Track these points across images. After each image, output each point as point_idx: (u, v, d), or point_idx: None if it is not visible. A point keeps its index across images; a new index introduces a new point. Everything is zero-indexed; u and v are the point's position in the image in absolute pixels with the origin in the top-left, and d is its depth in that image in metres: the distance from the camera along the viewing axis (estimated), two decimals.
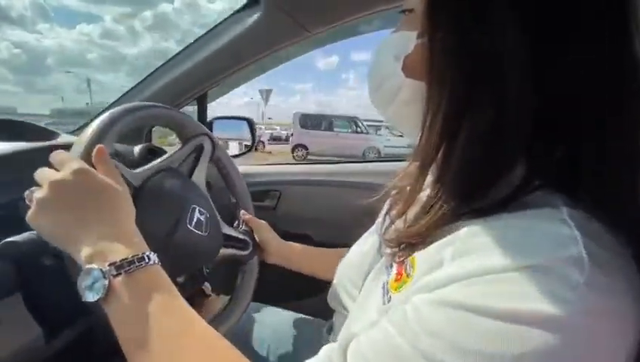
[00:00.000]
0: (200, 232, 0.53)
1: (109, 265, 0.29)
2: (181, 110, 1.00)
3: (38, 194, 0.33)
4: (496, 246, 0.23)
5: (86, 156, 0.37)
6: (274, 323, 0.68)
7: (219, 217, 0.60)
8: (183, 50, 0.82)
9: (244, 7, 0.72)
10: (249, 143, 1.19)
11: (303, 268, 0.66)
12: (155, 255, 0.32)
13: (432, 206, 0.29)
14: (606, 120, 0.26)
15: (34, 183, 0.35)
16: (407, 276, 0.29)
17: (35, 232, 0.39)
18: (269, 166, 1.13)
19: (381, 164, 1.05)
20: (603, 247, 0.22)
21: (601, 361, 0.21)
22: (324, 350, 0.30)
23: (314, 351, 0.31)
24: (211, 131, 1.05)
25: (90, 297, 0.29)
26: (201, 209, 0.54)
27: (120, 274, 0.29)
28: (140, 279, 0.30)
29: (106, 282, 0.28)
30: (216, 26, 0.77)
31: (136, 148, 0.83)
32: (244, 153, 1.17)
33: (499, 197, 0.26)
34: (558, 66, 0.25)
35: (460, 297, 0.22)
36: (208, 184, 0.84)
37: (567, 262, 0.20)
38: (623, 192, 0.25)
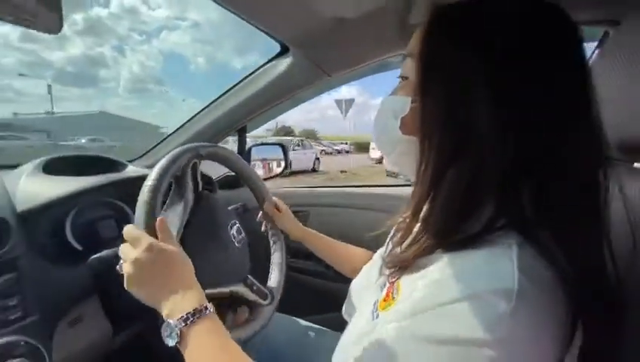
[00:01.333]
0: (241, 238, 0.63)
1: (178, 319, 0.38)
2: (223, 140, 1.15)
3: (125, 269, 0.42)
4: (449, 280, 0.29)
5: (149, 221, 0.45)
6: (290, 330, 0.76)
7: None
8: (225, 93, 0.96)
9: (277, 56, 0.84)
10: (282, 166, 1.32)
11: (317, 252, 0.77)
12: (211, 304, 0.41)
13: (419, 238, 0.35)
14: (563, 178, 0.31)
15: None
16: (393, 299, 0.36)
17: (113, 249, 0.51)
18: (298, 188, 1.23)
19: (405, 188, 1.09)
20: (536, 284, 0.27)
21: None
22: None
23: (324, 359, 0.38)
24: (250, 156, 1.19)
25: (171, 343, 0.38)
26: (233, 222, 0.64)
27: (186, 324, 0.38)
28: (200, 325, 0.39)
29: (178, 331, 0.38)
30: (253, 72, 0.90)
31: None
32: (278, 175, 1.29)
33: (471, 232, 0.31)
34: (525, 134, 0.31)
35: (417, 329, 0.29)
36: (244, 206, 0.95)
37: (497, 294, 0.26)
38: (572, 239, 0.30)
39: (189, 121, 1.08)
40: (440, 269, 0.31)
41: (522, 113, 0.31)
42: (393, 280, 0.38)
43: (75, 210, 0.66)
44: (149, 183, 0.48)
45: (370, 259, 0.73)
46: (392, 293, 0.36)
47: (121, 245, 0.45)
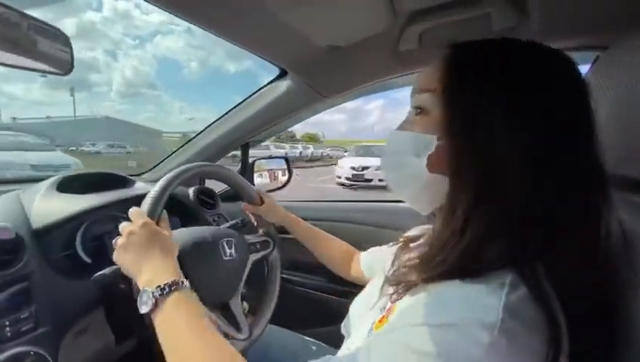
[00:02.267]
0: (232, 257, 0.66)
1: (156, 287, 0.42)
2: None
3: (120, 241, 0.49)
4: (439, 305, 0.31)
5: (151, 214, 0.53)
6: (284, 342, 0.79)
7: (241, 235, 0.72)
8: (228, 112, 1.01)
9: (276, 79, 0.89)
10: (286, 178, 1.36)
11: (298, 237, 0.81)
12: (188, 282, 0.45)
13: (432, 265, 0.36)
14: (571, 226, 0.33)
15: (118, 222, 0.52)
16: (387, 319, 0.38)
17: (117, 266, 0.55)
18: (297, 202, 1.26)
19: (399, 204, 1.11)
20: (520, 323, 0.28)
21: None
22: None
23: None
24: (252, 170, 1.23)
25: (144, 309, 0.42)
26: (228, 239, 0.67)
27: (162, 294, 0.42)
28: (175, 297, 0.42)
29: (153, 299, 0.42)
30: (254, 93, 0.94)
31: (191, 191, 1.02)
32: (282, 187, 1.33)
33: (476, 266, 0.33)
34: (541, 173, 0.32)
35: (401, 338, 0.31)
36: (243, 221, 0.99)
37: (481, 325, 0.28)
38: (571, 284, 0.32)
39: (193, 138, 1.13)
40: (434, 293, 0.33)
41: (537, 154, 0.32)
42: (393, 301, 0.39)
43: (85, 225, 0.70)
44: (160, 184, 0.56)
45: (351, 253, 0.78)
46: (388, 315, 0.38)
47: (123, 222, 0.51)
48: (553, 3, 0.55)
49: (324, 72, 0.79)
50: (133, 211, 0.52)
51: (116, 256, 0.49)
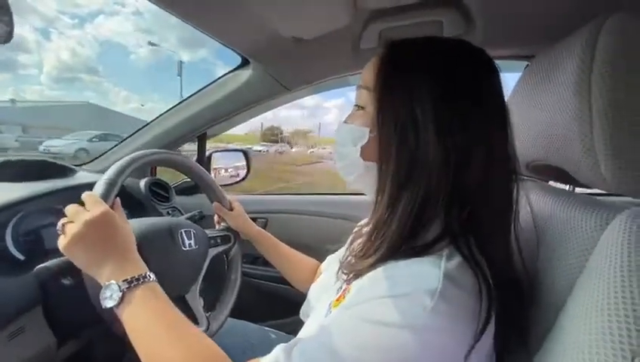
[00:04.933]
0: (192, 248, 0.64)
1: (123, 280, 0.40)
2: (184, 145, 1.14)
3: (72, 229, 0.43)
4: (389, 280, 0.35)
5: (105, 196, 0.49)
6: (242, 333, 0.79)
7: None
8: (184, 100, 0.96)
9: (237, 68, 0.87)
10: (244, 172, 1.33)
11: (265, 254, 0.78)
12: (153, 274, 0.43)
13: (376, 250, 0.39)
14: (488, 201, 0.37)
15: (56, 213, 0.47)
16: (344, 298, 0.40)
17: (62, 259, 0.50)
18: (258, 195, 1.25)
19: (360, 197, 1.16)
20: (457, 286, 0.32)
21: (437, 359, 0.31)
22: (275, 349, 0.37)
23: None
24: (209, 163, 1.19)
25: (109, 304, 0.40)
26: (187, 229, 0.65)
27: (129, 287, 0.40)
28: (143, 290, 0.41)
29: (120, 293, 0.40)
30: (214, 81, 0.91)
31: (142, 183, 0.96)
32: (239, 181, 1.30)
33: (418, 246, 0.37)
34: (461, 162, 0.37)
35: (356, 312, 0.34)
36: (201, 213, 0.95)
37: (424, 292, 0.31)
38: (493, 248, 0.37)
39: (144, 126, 1.06)
40: (384, 271, 0.36)
41: (459, 143, 0.36)
42: (348, 283, 0.42)
43: (17, 217, 0.63)
44: (118, 164, 0.52)
45: (315, 268, 0.78)
46: (345, 294, 0.41)
47: (70, 205, 0.46)
48: (493, 17, 0.62)
49: (288, 64, 0.80)
50: (87, 195, 0.47)
51: (66, 246, 0.43)
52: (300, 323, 0.62)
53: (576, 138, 0.36)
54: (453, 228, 0.37)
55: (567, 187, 0.54)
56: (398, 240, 0.37)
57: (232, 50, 0.79)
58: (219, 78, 0.91)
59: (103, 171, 1.03)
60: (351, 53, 0.75)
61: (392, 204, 0.38)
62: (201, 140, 1.12)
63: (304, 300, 0.65)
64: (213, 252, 0.72)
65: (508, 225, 0.39)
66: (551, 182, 0.56)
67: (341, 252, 0.71)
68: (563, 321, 0.34)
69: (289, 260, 0.79)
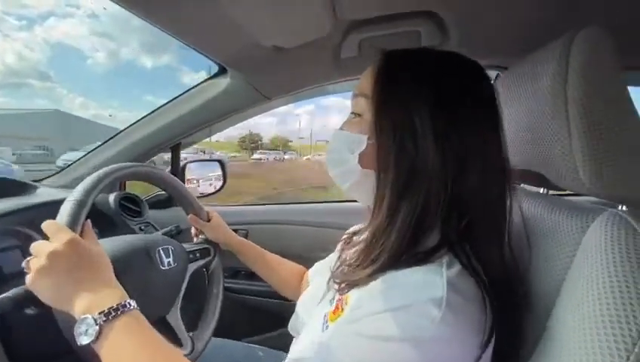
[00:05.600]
0: (171, 266, 0.60)
1: (99, 313, 0.36)
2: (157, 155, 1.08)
3: (36, 263, 0.39)
4: (391, 291, 0.34)
5: (72, 225, 0.44)
6: (228, 352, 0.75)
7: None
8: (157, 109, 0.92)
9: (214, 76, 0.84)
10: (220, 183, 1.29)
11: (249, 264, 0.76)
12: (134, 301, 0.40)
13: (374, 259, 0.38)
14: (483, 210, 0.38)
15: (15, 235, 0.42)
16: (342, 310, 0.39)
17: (22, 287, 0.45)
18: (238, 206, 1.22)
19: (341, 204, 1.16)
20: (460, 295, 0.32)
21: None
22: None
23: None
24: (183, 175, 1.14)
25: (85, 340, 0.36)
26: (165, 247, 0.61)
27: (108, 319, 0.36)
28: (123, 321, 0.37)
29: (97, 327, 0.36)
30: (189, 89, 0.88)
31: (111, 197, 0.90)
32: (215, 192, 1.26)
33: (418, 255, 0.36)
34: (459, 170, 0.37)
35: (360, 328, 0.33)
36: (177, 227, 0.91)
37: (429, 302, 0.31)
38: (488, 254, 0.38)
39: (114, 137, 1.00)
40: (384, 282, 0.36)
41: (456, 150, 0.37)
42: (343, 294, 0.41)
43: None
44: (87, 182, 0.48)
45: (301, 273, 0.76)
46: (342, 305, 0.40)
47: (35, 242, 0.42)
48: (466, 29, 0.65)
49: (267, 72, 0.78)
50: (48, 225, 0.43)
51: (33, 283, 0.39)
52: (288, 337, 0.60)
53: (556, 146, 0.38)
54: (451, 236, 0.37)
55: (541, 190, 0.57)
56: (398, 249, 0.37)
57: (210, 58, 0.77)
58: (195, 86, 0.88)
59: (66, 186, 0.95)
60: (331, 62, 0.75)
61: (392, 212, 0.38)
62: (175, 151, 1.07)
63: (289, 312, 0.63)
64: (192, 267, 0.68)
65: (502, 232, 0.40)
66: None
67: (329, 259, 0.70)
68: (553, 325, 0.35)
69: (275, 268, 0.76)
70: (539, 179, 0.48)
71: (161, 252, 0.60)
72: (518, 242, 0.45)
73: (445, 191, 0.37)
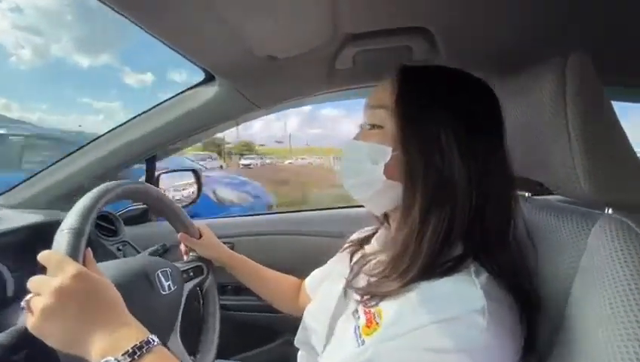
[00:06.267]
0: (171, 290, 0.56)
1: (123, 354, 0.33)
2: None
3: (40, 303, 0.34)
4: (434, 303, 0.35)
5: (74, 256, 0.39)
6: None
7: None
8: (132, 119, 0.85)
9: (201, 83, 0.80)
10: (195, 194, 1.22)
11: (243, 279, 0.73)
12: (155, 336, 0.36)
13: (405, 270, 0.39)
14: (500, 218, 0.41)
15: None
16: (377, 324, 0.39)
17: (13, 330, 0.39)
18: (223, 218, 1.17)
19: (328, 212, 1.16)
20: (496, 302, 0.34)
21: None
22: None
23: None
24: (158, 186, 1.07)
25: None
26: (164, 270, 0.57)
27: (133, 360, 0.33)
28: (150, 359, 0.34)
29: None
30: (173, 97, 0.83)
31: None
32: (190, 203, 1.19)
33: (446, 264, 0.38)
34: (482, 181, 0.40)
35: (413, 342, 0.34)
36: (164, 246, 0.85)
37: (474, 312, 0.33)
38: (503, 263, 0.40)
39: (75, 152, 0.90)
40: (421, 294, 0.37)
41: (479, 164, 0.40)
42: (370, 306, 0.41)
43: None
44: (82, 206, 0.44)
45: (297, 285, 0.76)
46: (375, 319, 0.40)
47: (33, 277, 0.37)
48: (456, 45, 0.70)
49: (259, 82, 0.76)
50: (49, 256, 0.38)
51: (36, 326, 0.34)
52: (278, 352, 0.59)
53: (558, 158, 0.42)
54: (474, 245, 0.39)
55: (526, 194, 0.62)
56: (429, 259, 0.38)
57: (197, 65, 0.73)
58: (178, 94, 0.83)
59: (22, 206, 0.84)
60: (325, 72, 0.76)
61: (422, 223, 0.39)
62: (151, 162, 1.00)
63: (279, 326, 0.62)
64: (187, 287, 0.64)
65: (509, 238, 0.43)
66: None
67: (327, 268, 0.70)
68: (567, 328, 0.38)
69: (270, 282, 0.75)
70: (524, 184, 0.53)
71: (161, 275, 0.56)
72: (523, 248, 0.48)
73: (470, 202, 0.39)
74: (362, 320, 0.41)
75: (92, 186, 0.49)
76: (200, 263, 0.69)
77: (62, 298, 0.34)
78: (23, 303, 0.35)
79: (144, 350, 0.34)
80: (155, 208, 0.65)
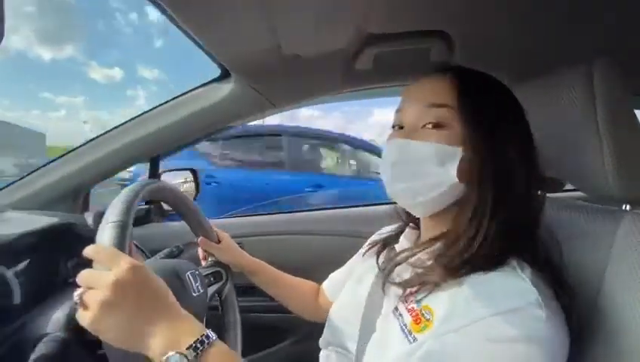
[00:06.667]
0: (200, 292, 0.55)
1: (187, 348, 0.32)
2: None
3: (97, 297, 0.33)
4: (488, 298, 0.36)
5: (121, 246, 0.38)
6: None
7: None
8: (135, 118, 0.82)
9: (215, 80, 0.78)
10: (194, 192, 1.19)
11: (262, 285, 0.73)
12: (211, 331, 0.36)
13: (463, 263, 0.40)
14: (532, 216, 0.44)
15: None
16: (427, 320, 0.39)
17: (56, 335, 0.37)
18: (231, 218, 1.14)
19: (337, 211, 1.17)
20: (544, 295, 0.36)
21: None
22: None
23: None
24: None
25: None
26: (192, 272, 0.56)
27: (197, 354, 0.32)
28: (212, 354, 0.34)
29: None
30: (185, 93, 0.80)
31: (89, 217, 0.77)
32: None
33: (494, 257, 0.39)
34: (531, 183, 0.42)
35: (481, 334, 0.34)
36: (178, 247, 0.82)
37: (532, 304, 0.34)
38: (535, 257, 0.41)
39: (77, 148, 0.85)
40: (473, 288, 0.38)
41: (533, 164, 0.43)
42: (411, 303, 0.42)
43: None
44: (123, 200, 0.42)
45: (315, 289, 0.76)
46: (423, 316, 0.40)
47: (83, 272, 0.35)
48: (471, 48, 0.72)
49: (277, 80, 0.76)
50: (97, 250, 0.36)
51: (95, 321, 0.33)
52: (286, 352, 0.58)
53: (588, 159, 0.45)
54: (517, 241, 0.41)
55: None
56: (487, 252, 0.40)
57: (215, 61, 0.71)
58: (189, 91, 0.81)
59: (19, 206, 0.79)
60: (344, 72, 0.76)
61: (491, 217, 0.41)
62: (154, 162, 0.96)
63: (287, 326, 0.61)
64: (209, 292, 0.62)
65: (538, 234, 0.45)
66: None
67: (347, 269, 0.71)
68: (599, 322, 0.41)
69: (289, 288, 0.74)
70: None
71: (190, 276, 0.54)
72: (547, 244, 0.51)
73: (524, 201, 0.41)
74: (407, 318, 0.42)
75: (92, 185, 0.47)
76: (219, 268, 0.68)
77: (120, 291, 0.33)
78: (75, 297, 0.34)
79: (206, 344, 0.33)
80: (178, 209, 0.63)
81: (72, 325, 0.42)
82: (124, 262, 0.35)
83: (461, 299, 0.38)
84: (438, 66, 0.49)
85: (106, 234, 0.39)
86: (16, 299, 0.57)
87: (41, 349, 0.36)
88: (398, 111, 0.49)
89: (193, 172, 1.26)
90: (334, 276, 0.73)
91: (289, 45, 0.65)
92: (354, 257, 0.71)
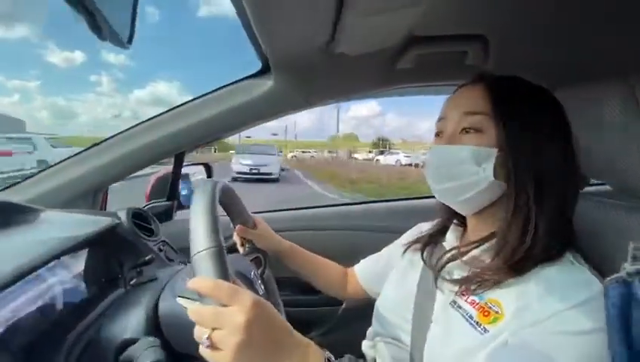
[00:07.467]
0: (263, 292, 0.55)
1: None
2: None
3: (230, 338, 0.33)
4: (561, 291, 0.39)
5: (225, 275, 0.37)
6: None
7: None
8: (176, 107, 0.79)
9: (253, 76, 0.77)
10: None
11: (297, 267, 0.77)
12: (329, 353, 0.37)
13: (524, 258, 0.43)
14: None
15: None
16: (497, 313, 0.42)
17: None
18: (265, 213, 1.13)
19: (376, 204, 1.19)
20: (599, 286, 0.39)
21: None
22: None
23: None
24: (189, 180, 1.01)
25: None
26: (251, 270, 0.56)
27: None
28: None
29: None
30: (219, 89, 0.78)
31: (123, 214, 0.74)
32: None
33: (549, 251, 0.43)
34: (570, 178, 0.46)
35: (558, 327, 0.37)
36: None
37: (599, 294, 0.37)
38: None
39: (101, 143, 0.81)
40: (541, 283, 0.41)
41: (573, 162, 0.46)
42: (470, 296, 0.45)
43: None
44: (207, 216, 0.40)
45: (345, 272, 0.80)
46: (491, 309, 0.43)
47: (201, 310, 0.34)
48: (507, 53, 0.75)
49: (318, 78, 0.75)
50: (209, 285, 0.35)
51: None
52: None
53: (630, 162, 0.50)
54: (571, 232, 0.45)
55: None
56: (545, 246, 0.43)
57: (260, 55, 0.70)
58: (223, 87, 0.79)
59: (36, 202, 0.76)
60: (384, 71, 0.77)
61: (537, 215, 0.44)
62: (179, 158, 0.94)
63: (313, 320, 0.61)
64: None
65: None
66: None
67: (381, 261, 0.74)
68: None
69: (321, 269, 0.79)
70: None
71: (254, 276, 0.54)
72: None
73: (570, 196, 0.45)
74: (472, 311, 0.45)
75: (115, 182, 0.44)
76: (258, 254, 0.69)
77: (250, 331, 0.33)
78: (204, 340, 0.33)
79: None
80: (223, 200, 0.62)
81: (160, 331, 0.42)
82: (247, 299, 0.34)
83: (531, 294, 0.41)
84: (474, 76, 0.55)
85: (206, 264, 0.36)
86: (82, 299, 0.55)
87: (149, 357, 0.35)
88: (439, 120, 0.54)
89: (207, 166, 1.26)
90: (367, 263, 0.77)
91: (340, 44, 0.65)
92: (388, 250, 0.75)
